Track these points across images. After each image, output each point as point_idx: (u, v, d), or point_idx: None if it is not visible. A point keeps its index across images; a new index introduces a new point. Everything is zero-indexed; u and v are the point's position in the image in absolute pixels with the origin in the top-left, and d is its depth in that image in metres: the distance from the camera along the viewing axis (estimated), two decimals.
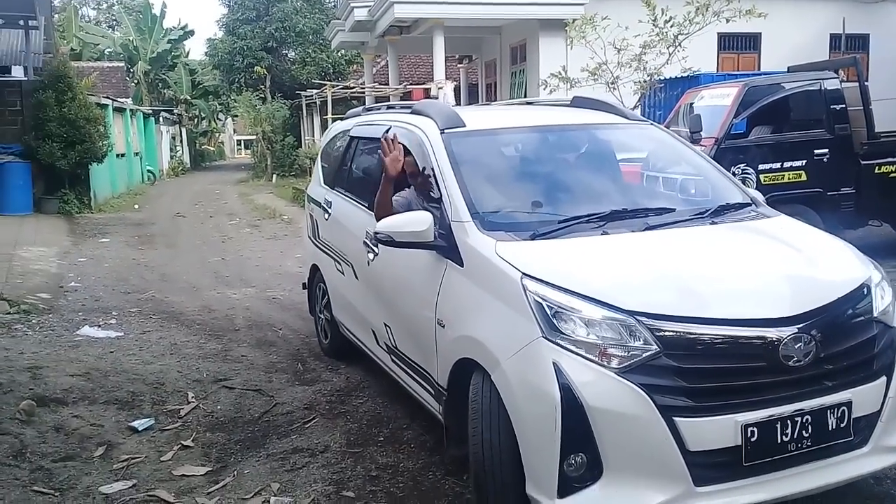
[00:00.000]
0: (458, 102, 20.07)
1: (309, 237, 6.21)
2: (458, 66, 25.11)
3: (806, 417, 2.88)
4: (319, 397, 4.95)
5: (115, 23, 48.22)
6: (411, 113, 4.73)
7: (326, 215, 5.71)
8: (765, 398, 2.86)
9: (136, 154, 24.96)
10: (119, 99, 23.39)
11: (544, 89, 14.92)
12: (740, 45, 17.54)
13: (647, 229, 3.54)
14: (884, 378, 3.08)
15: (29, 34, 13.59)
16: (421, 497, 3.59)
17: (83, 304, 7.65)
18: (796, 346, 2.90)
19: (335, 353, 5.82)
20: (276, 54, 36.42)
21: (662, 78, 14.14)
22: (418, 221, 3.65)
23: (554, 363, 2.83)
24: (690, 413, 2.78)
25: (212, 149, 50.83)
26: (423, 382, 3.92)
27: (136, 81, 35.52)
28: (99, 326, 6.70)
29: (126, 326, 6.76)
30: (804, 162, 8.03)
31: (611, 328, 2.88)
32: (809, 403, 2.89)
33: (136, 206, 18.20)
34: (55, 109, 14.39)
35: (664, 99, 13.92)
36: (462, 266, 3.49)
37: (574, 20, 14.67)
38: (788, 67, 9.74)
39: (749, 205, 3.98)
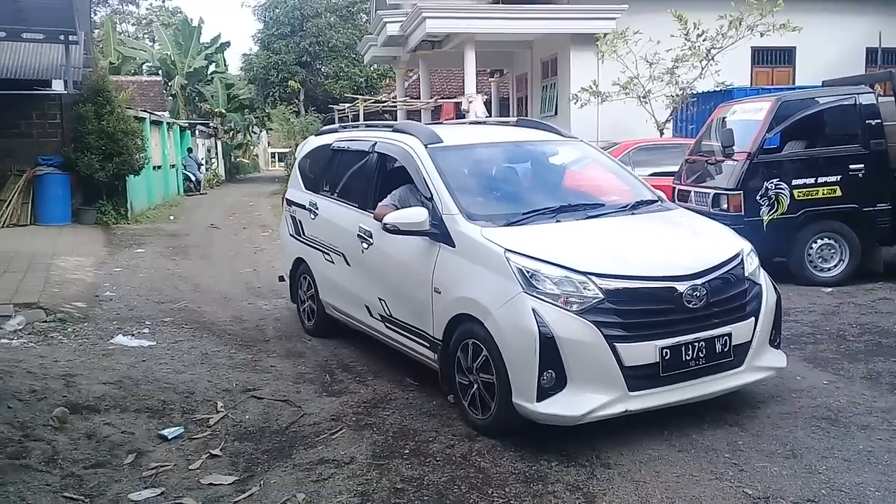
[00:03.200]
0: (489, 114, 20.13)
1: (291, 235, 7.05)
2: (490, 79, 25.16)
3: (701, 343, 4.19)
4: (346, 409, 4.97)
5: (153, 37, 49.12)
6: (393, 131, 5.81)
7: (312, 215, 6.58)
8: (673, 330, 4.14)
9: (172, 166, 25.32)
10: (156, 112, 23.77)
11: (575, 103, 14.91)
12: (774, 59, 17.38)
13: (587, 218, 4.85)
14: (753, 318, 4.45)
15: (69, 49, 13.87)
16: None
17: (117, 313, 7.78)
18: (693, 294, 4.19)
19: (319, 332, 6.72)
20: (310, 69, 36.90)
21: (695, 92, 14.04)
22: (417, 215, 4.81)
23: (533, 309, 4.05)
24: (625, 340, 4.04)
25: (246, 161, 51.32)
26: (418, 339, 5.02)
27: (173, 95, 36.06)
28: (132, 335, 6.81)
29: (158, 336, 6.86)
30: (839, 177, 7.92)
31: (570, 284, 4.11)
32: (703, 334, 4.21)
33: (172, 218, 18.44)
34: (94, 122, 14.64)
35: (696, 113, 13.82)
36: (454, 247, 4.65)
37: (605, 34, 14.64)
38: (823, 82, 9.61)
39: (656, 201, 5.30)
